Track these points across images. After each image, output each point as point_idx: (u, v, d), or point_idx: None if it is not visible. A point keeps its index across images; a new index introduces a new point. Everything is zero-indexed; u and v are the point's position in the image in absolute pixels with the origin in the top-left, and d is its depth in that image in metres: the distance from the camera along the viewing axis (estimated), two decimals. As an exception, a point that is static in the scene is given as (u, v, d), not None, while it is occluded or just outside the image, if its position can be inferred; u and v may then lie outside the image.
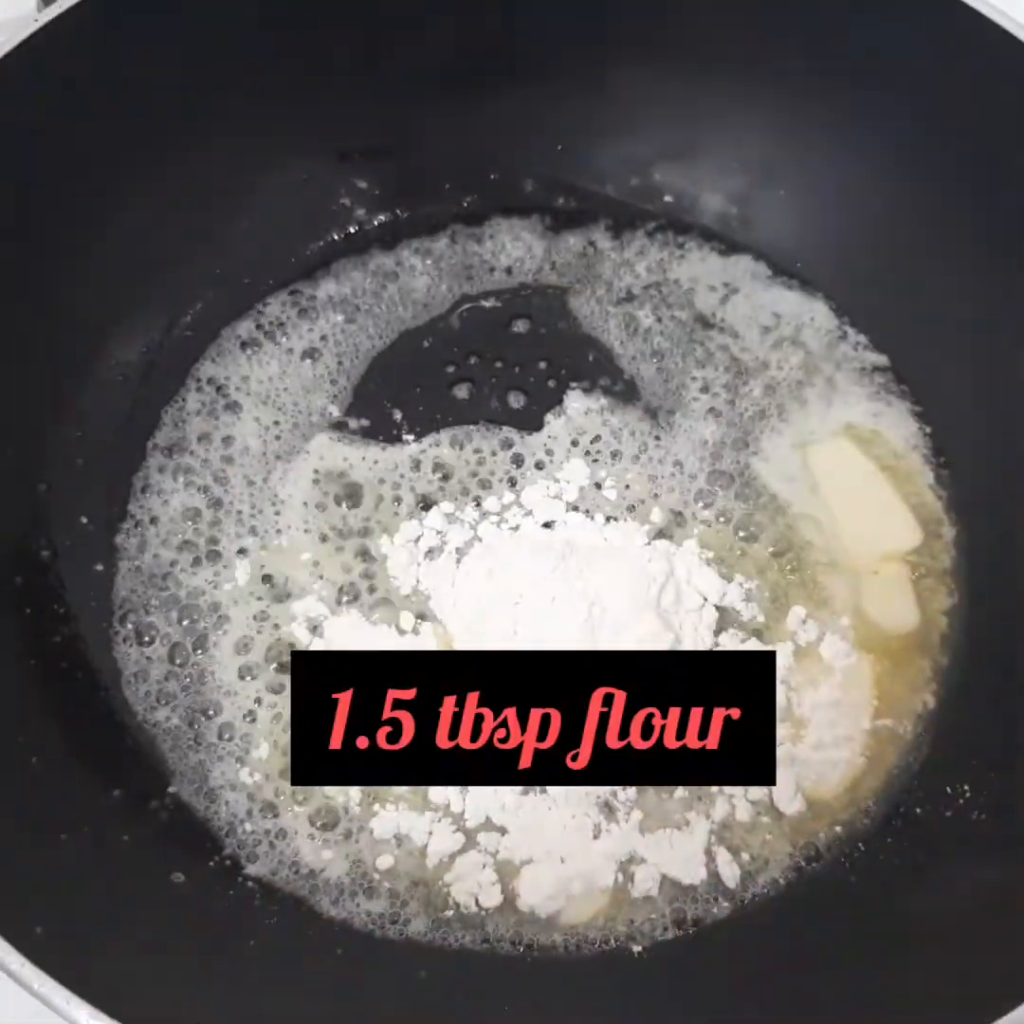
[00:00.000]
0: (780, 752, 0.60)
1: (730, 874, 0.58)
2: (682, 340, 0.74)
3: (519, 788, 0.58)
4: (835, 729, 0.61)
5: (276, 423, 0.71)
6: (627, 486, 0.68)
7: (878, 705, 0.62)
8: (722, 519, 0.67)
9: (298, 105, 0.71)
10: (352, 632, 0.63)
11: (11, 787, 0.52)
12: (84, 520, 0.65)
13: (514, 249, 0.77)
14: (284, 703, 0.61)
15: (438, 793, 0.58)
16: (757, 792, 0.59)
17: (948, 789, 0.57)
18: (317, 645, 0.63)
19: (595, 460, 0.69)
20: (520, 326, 0.75)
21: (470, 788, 0.58)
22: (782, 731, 0.60)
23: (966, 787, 0.57)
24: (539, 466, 0.69)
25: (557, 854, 0.57)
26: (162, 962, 0.47)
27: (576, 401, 0.71)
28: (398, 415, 0.71)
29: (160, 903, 0.52)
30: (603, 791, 0.58)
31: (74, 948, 0.43)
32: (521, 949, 0.56)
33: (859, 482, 0.69)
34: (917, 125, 0.67)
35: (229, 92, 0.69)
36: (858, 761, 0.60)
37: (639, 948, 0.56)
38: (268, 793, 0.59)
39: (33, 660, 0.58)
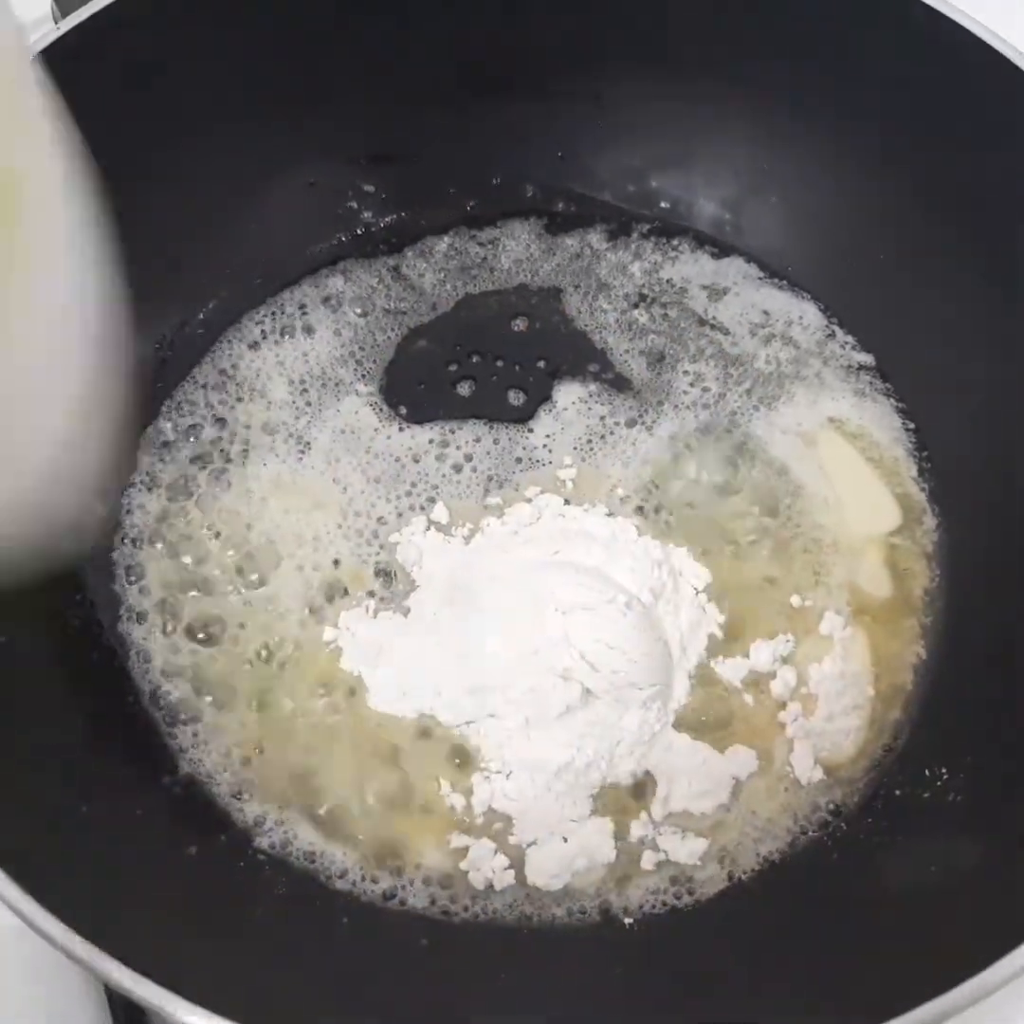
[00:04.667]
0: (794, 727, 0.63)
1: (731, 853, 0.60)
2: (675, 337, 0.76)
3: (517, 775, 0.60)
4: (842, 699, 0.64)
5: (303, 381, 0.74)
6: (620, 480, 0.71)
7: (877, 670, 0.65)
8: (724, 506, 0.70)
9: (307, 111, 0.74)
10: (359, 620, 0.65)
11: (31, 760, 0.54)
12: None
13: (515, 251, 0.80)
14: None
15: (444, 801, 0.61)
16: (781, 768, 0.62)
17: (927, 772, 0.60)
18: (328, 634, 0.65)
19: (592, 453, 0.72)
20: (520, 325, 0.77)
21: (472, 787, 0.61)
22: (794, 707, 0.63)
23: (944, 770, 0.59)
24: (537, 461, 0.71)
25: (559, 834, 0.60)
26: (176, 923, 0.50)
27: (572, 397, 0.74)
28: (404, 410, 0.74)
29: (173, 871, 0.54)
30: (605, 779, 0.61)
31: (93, 908, 0.46)
32: (522, 921, 0.59)
33: (846, 469, 0.71)
34: (906, 137, 0.70)
35: (241, 99, 0.71)
36: (867, 725, 0.63)
37: (631, 920, 0.59)
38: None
39: (53, 642, 0.61)
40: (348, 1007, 0.50)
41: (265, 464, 0.71)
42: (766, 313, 0.77)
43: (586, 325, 0.77)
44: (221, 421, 0.72)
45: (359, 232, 0.80)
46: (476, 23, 0.73)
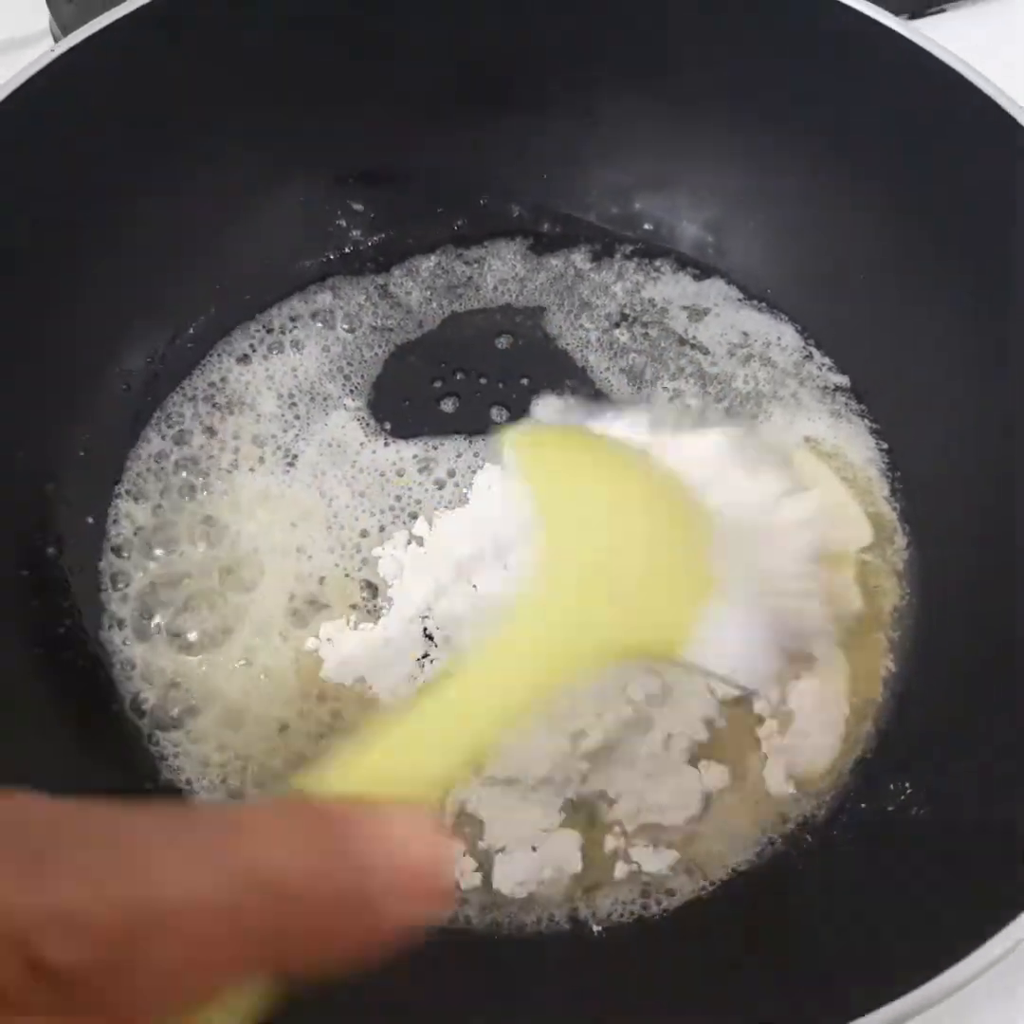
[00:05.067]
0: (769, 742, 0.64)
1: (701, 863, 0.61)
2: (655, 356, 0.78)
3: (494, 784, 0.61)
4: (818, 714, 0.65)
5: (292, 395, 0.75)
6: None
7: (851, 685, 0.66)
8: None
9: (297, 131, 0.75)
10: (340, 631, 0.66)
11: (16, 767, 0.55)
12: (90, 520, 0.69)
13: (500, 270, 0.81)
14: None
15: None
16: (753, 782, 0.63)
17: (891, 786, 0.61)
18: (310, 644, 0.66)
19: (571, 471, 0.73)
20: (504, 343, 0.79)
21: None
22: (771, 722, 0.64)
23: (907, 785, 0.60)
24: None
25: (528, 842, 0.60)
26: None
27: (553, 414, 0.75)
28: (389, 425, 0.75)
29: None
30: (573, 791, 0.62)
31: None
32: (490, 929, 0.59)
33: (821, 487, 0.72)
34: (886, 167, 0.71)
35: (234, 118, 0.73)
36: (839, 740, 0.64)
37: (599, 928, 0.60)
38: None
39: (39, 649, 0.62)
40: (315, 1014, 0.50)
41: (253, 474, 0.72)
42: (745, 334, 0.78)
43: (568, 344, 0.78)
44: (210, 432, 0.74)
45: (348, 250, 0.81)
46: (473, 30, 0.74)
